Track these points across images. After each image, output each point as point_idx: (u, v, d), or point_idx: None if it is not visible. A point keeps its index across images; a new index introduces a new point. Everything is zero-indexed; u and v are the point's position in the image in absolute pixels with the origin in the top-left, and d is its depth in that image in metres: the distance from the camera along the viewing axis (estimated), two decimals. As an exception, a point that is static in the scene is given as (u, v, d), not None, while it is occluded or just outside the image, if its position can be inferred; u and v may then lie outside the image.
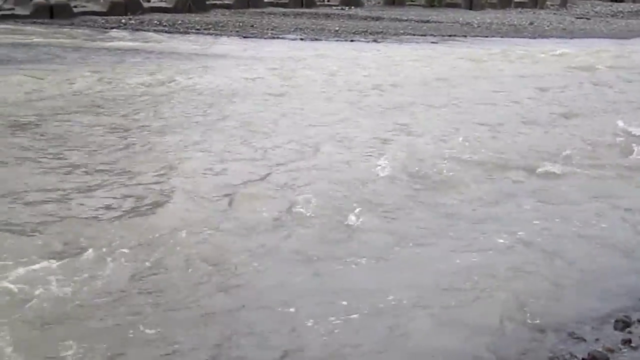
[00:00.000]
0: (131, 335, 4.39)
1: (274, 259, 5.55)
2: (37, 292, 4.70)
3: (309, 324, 4.60)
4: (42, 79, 13.16)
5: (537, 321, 4.77)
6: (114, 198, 6.78)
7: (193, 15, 27.67)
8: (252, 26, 25.33)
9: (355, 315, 4.71)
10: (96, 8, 27.00)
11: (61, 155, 8.14)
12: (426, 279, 5.31)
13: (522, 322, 4.76)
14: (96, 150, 8.39)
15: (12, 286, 4.75)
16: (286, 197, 6.94)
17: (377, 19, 29.58)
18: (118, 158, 8.12)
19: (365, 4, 35.48)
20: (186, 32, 23.48)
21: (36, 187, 6.97)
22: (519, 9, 37.23)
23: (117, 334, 4.39)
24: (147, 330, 4.41)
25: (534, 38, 25.55)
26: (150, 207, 6.57)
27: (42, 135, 9.01)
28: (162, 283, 5.04)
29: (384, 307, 4.85)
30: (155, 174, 7.56)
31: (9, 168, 7.60)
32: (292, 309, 4.78)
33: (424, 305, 4.91)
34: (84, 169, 7.61)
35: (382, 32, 25.46)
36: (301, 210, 6.52)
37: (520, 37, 25.49)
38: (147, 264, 5.30)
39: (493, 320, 4.73)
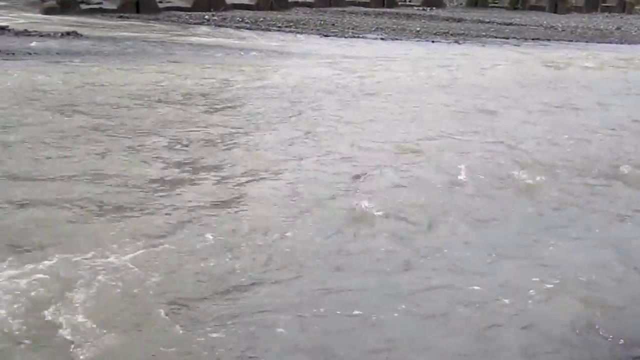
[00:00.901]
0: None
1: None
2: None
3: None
4: (125, 71, 13.40)
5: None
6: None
7: (274, 12, 27.86)
8: (333, 25, 25.33)
9: None
10: (181, 4, 27.45)
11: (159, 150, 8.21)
12: None
13: None
14: (187, 146, 8.40)
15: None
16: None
17: (459, 20, 29.24)
18: (211, 152, 8.16)
19: (447, 5, 35.14)
20: (267, 30, 23.63)
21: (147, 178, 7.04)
22: (606, 14, 36.28)
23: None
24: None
25: (621, 43, 24.84)
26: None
27: (137, 127, 9.10)
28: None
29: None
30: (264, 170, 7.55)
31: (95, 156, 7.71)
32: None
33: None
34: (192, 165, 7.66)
35: (463, 33, 25.14)
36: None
37: (607, 43, 24.81)
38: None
39: None
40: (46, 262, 4.87)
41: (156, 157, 7.77)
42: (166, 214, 6.10)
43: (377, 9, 31.73)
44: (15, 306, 4.31)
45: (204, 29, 22.81)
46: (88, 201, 6.28)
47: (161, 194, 6.62)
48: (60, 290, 4.52)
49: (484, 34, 25.51)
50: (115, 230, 5.62)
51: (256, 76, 13.77)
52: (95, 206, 6.17)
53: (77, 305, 4.40)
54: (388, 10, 31.75)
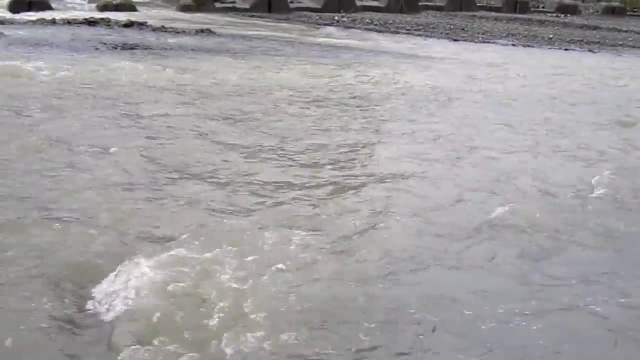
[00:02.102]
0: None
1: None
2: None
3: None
4: (252, 69, 13.65)
5: None
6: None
7: (404, 15, 27.79)
8: (463, 29, 25.01)
9: None
10: (311, 4, 27.83)
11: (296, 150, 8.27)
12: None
13: None
14: (326, 146, 8.36)
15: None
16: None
17: (594, 28, 28.27)
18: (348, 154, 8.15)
19: (582, 12, 34.00)
20: (396, 32, 23.58)
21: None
22: None
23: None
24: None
25: None
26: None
27: (269, 129, 9.18)
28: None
29: None
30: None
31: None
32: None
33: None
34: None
35: (598, 42, 24.28)
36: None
37: None
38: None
39: None
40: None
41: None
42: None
43: (508, 15, 31.12)
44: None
45: (333, 30, 23.00)
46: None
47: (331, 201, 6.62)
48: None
49: (620, 42, 24.54)
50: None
51: (386, 79, 13.70)
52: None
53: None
54: (520, 16, 31.07)
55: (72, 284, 4.35)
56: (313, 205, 6.12)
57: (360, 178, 7.06)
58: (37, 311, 4.02)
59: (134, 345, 3.75)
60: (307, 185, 6.70)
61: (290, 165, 7.32)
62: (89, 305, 4.19)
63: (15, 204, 5.55)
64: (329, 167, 7.39)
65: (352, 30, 23.41)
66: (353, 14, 26.94)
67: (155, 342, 3.77)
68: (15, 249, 4.73)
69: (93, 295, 4.28)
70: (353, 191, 6.60)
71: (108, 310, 4.12)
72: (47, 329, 3.89)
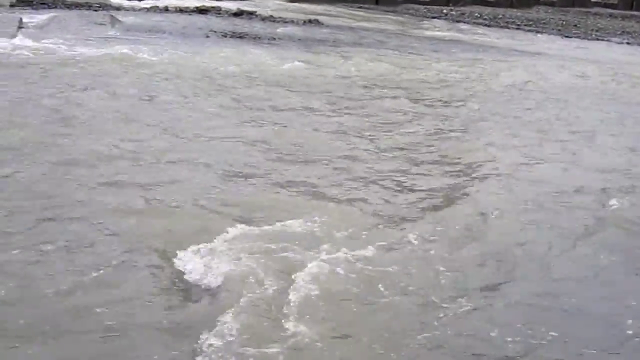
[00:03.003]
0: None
1: None
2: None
3: None
4: (359, 60, 13.62)
5: None
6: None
7: (514, 10, 27.23)
8: (576, 26, 24.29)
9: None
10: (419, -3, 27.56)
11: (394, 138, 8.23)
12: None
13: None
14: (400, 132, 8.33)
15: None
16: None
17: None
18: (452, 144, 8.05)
19: None
20: (505, 27, 23.12)
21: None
22: None
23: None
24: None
25: None
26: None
27: (368, 114, 9.16)
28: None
29: None
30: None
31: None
32: None
33: None
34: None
35: None
36: None
37: None
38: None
39: None
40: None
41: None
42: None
43: (624, 12, 30.02)
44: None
45: (440, 23, 22.75)
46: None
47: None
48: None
49: None
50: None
51: (495, 73, 13.42)
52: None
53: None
54: (637, 13, 29.89)
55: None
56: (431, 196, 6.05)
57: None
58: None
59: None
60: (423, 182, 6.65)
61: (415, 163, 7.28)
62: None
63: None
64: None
65: (460, 24, 23.08)
66: (462, 8, 26.57)
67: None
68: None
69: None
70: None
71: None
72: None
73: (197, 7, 20.27)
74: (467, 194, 6.28)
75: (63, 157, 6.26)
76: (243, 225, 5.06)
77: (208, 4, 21.54)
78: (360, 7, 24.81)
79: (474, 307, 4.21)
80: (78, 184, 5.65)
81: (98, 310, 3.86)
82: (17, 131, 6.95)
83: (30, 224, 4.81)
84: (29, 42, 12.41)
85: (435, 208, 5.90)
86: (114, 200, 5.35)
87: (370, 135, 8.02)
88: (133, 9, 19.67)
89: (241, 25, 17.89)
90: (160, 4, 20.70)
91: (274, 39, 15.92)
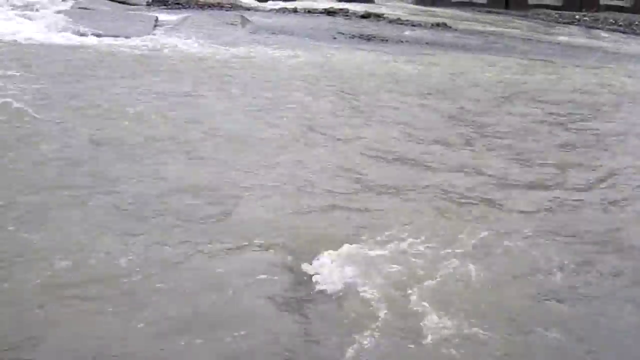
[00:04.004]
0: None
1: None
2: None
3: None
4: (489, 65, 13.32)
5: None
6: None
7: (653, 17, 26.00)
8: None
9: None
10: (550, 2, 26.81)
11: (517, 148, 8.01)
12: None
13: None
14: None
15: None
16: None
17: None
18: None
19: None
20: (643, 35, 22.14)
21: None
22: None
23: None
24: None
25: None
26: None
27: (479, 125, 8.95)
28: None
29: None
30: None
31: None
32: None
33: None
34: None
35: None
36: None
37: None
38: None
39: None
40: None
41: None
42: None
43: None
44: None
45: (573, 29, 22.00)
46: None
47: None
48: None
49: None
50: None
51: (621, 86, 12.81)
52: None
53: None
54: None
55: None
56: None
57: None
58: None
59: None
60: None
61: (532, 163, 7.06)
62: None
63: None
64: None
65: (593, 30, 22.25)
66: (595, 13, 25.60)
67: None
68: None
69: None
70: None
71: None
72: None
73: (325, 9, 20.42)
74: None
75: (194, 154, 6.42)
76: (370, 231, 5.02)
77: (336, 6, 21.66)
78: (489, 12, 24.34)
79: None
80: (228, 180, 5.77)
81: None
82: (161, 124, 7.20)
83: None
84: (164, 40, 12.82)
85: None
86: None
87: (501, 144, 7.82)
88: (263, 10, 20.01)
89: (369, 27, 17.87)
90: (289, 6, 20.97)
91: (402, 41, 15.81)
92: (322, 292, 4.18)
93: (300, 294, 4.15)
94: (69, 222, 4.76)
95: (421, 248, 4.75)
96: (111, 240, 4.56)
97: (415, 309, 4.05)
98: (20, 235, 4.53)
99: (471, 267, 4.55)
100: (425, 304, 4.07)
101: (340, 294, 4.15)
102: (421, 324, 3.91)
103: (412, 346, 3.74)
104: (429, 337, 3.79)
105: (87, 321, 3.71)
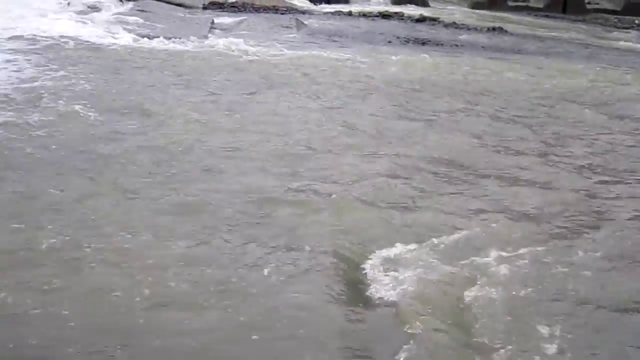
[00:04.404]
0: None
1: None
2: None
3: None
4: (556, 71, 13.07)
5: None
6: None
7: None
8: None
9: None
10: (609, 6, 26.22)
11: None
12: None
13: None
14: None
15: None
16: None
17: None
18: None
19: None
20: None
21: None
22: None
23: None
24: None
25: None
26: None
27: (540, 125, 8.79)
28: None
29: None
30: None
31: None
32: None
33: None
34: None
35: None
36: None
37: None
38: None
39: None
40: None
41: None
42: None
43: None
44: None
45: (633, 34, 21.50)
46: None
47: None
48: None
49: None
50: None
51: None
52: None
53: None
54: None
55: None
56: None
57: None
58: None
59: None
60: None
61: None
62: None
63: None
64: None
65: (655, 35, 21.72)
66: (656, 18, 24.98)
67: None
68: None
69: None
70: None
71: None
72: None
73: (380, 13, 20.32)
74: None
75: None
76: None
77: (391, 9, 21.55)
78: (547, 16, 23.92)
79: None
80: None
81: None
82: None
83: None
84: (220, 42, 12.93)
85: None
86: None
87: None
88: (318, 13, 20.01)
89: (424, 31, 17.72)
90: (344, 9, 20.94)
91: (457, 45, 15.64)
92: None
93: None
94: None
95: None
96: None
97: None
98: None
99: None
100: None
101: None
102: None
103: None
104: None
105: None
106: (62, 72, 9.08)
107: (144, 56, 11.06)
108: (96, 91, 8.32)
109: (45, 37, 11.42)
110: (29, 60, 9.73)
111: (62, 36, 11.69)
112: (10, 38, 11.10)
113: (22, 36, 11.31)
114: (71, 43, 11.31)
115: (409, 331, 3.81)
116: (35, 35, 11.48)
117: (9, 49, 10.29)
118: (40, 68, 9.28)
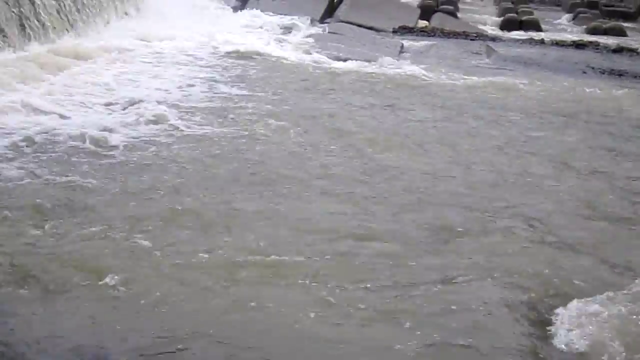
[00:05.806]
0: None
1: None
2: None
3: None
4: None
5: None
6: None
7: None
8: None
9: None
10: None
11: None
12: None
13: None
14: None
15: None
16: None
17: None
18: None
19: None
20: None
21: None
22: None
23: None
24: None
25: None
26: None
27: None
28: None
29: None
30: None
31: None
32: None
33: None
34: None
35: None
36: None
37: None
38: None
39: None
40: None
41: None
42: None
43: None
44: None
45: None
46: None
47: None
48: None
49: None
50: None
51: None
52: None
53: None
54: None
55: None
56: None
57: None
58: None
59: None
60: None
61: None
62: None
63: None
64: None
65: None
66: None
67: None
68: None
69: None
70: None
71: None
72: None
73: (573, 42, 19.61)
74: None
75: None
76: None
77: (586, 38, 20.77)
78: None
79: None
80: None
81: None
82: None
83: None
84: (410, 67, 13.05)
85: None
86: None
87: None
88: (508, 40, 19.60)
89: (621, 62, 16.91)
90: (536, 37, 20.41)
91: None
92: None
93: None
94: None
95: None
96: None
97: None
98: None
99: None
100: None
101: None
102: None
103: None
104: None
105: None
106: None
107: (332, 77, 11.51)
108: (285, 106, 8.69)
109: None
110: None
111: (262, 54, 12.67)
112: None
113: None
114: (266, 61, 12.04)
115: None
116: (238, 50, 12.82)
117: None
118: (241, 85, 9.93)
